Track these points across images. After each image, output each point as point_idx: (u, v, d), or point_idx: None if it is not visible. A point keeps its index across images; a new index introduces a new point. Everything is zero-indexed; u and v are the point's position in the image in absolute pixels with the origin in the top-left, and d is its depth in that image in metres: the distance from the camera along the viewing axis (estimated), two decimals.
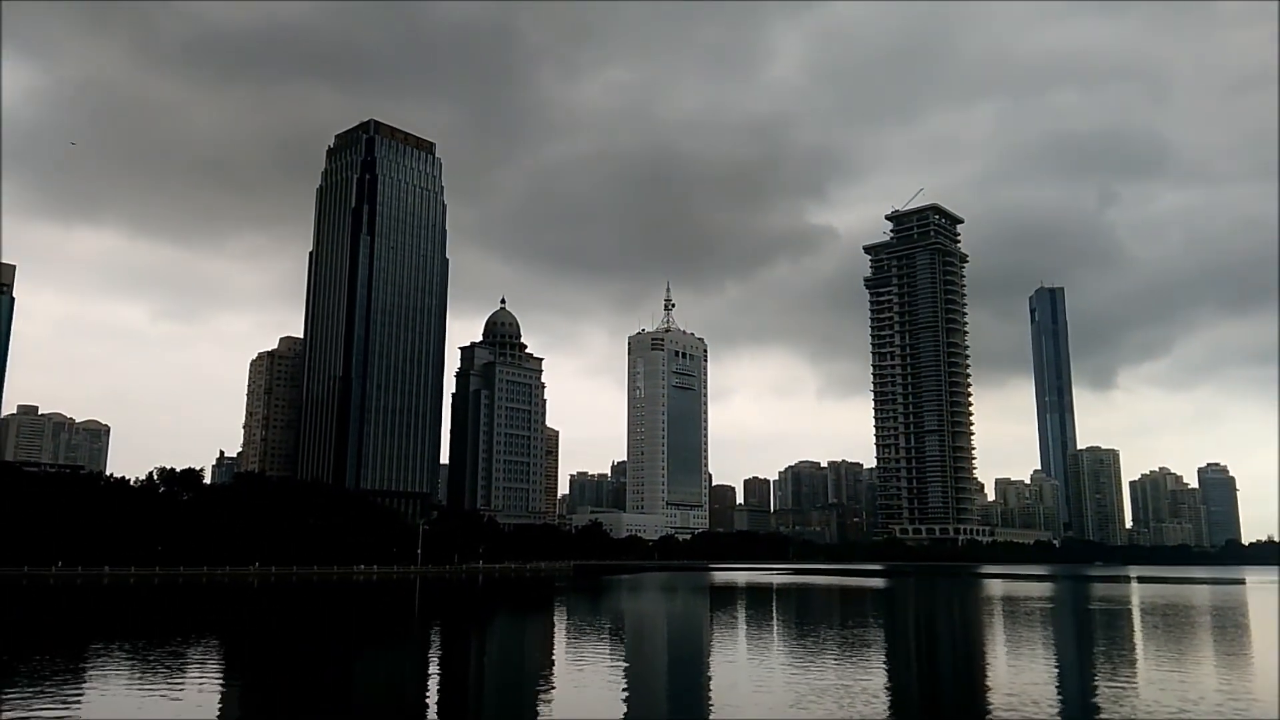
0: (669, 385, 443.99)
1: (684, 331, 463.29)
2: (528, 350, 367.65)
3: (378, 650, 47.50)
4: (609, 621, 65.58)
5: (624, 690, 33.28)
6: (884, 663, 42.31)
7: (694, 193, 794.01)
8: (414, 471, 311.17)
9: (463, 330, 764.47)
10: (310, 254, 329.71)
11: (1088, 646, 51.12)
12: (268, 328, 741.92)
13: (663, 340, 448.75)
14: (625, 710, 29.08)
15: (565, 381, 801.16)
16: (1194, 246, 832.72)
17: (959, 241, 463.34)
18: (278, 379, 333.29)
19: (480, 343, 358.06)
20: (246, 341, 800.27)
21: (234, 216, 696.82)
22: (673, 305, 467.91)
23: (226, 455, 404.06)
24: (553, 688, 33.51)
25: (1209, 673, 38.41)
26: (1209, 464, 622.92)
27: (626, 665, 41.09)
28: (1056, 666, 42.20)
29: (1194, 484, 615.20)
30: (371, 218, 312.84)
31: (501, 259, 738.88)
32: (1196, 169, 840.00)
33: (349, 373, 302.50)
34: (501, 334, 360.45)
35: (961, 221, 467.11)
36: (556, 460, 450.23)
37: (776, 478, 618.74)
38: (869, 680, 34.87)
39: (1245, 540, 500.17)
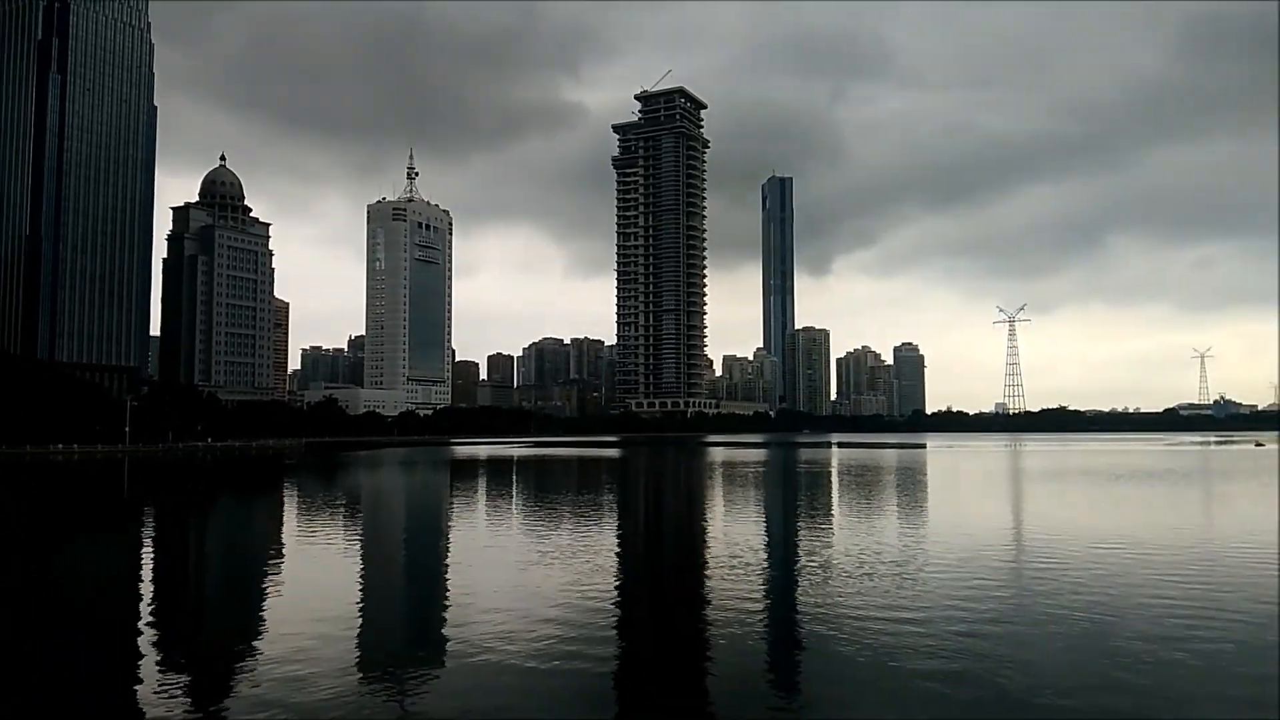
0: (411, 258, 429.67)
1: (428, 202, 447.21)
2: (253, 214, 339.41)
3: (80, 537, 43.38)
4: (343, 497, 63.99)
5: (359, 565, 32.73)
6: (615, 522, 44.62)
7: (441, 56, 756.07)
8: (119, 343, 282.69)
9: (177, 189, 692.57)
10: None
11: (793, 501, 56.84)
12: None
13: (405, 211, 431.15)
14: (361, 584, 28.63)
15: (298, 250, 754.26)
16: (906, 147, 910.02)
17: (702, 127, 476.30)
18: None
19: (197, 203, 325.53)
20: None
21: None
22: (416, 174, 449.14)
23: None
24: (280, 568, 32.23)
25: (892, 520, 43.85)
26: (903, 343, 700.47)
27: (362, 539, 40.39)
28: (765, 519, 46.51)
29: (890, 361, 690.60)
30: (62, 53, 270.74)
31: (222, 111, 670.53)
32: (914, 75, 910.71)
33: (37, 232, 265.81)
34: (222, 194, 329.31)
35: (705, 107, 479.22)
36: (287, 334, 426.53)
37: (520, 354, 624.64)
38: (601, 539, 36.62)
39: (929, 410, 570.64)
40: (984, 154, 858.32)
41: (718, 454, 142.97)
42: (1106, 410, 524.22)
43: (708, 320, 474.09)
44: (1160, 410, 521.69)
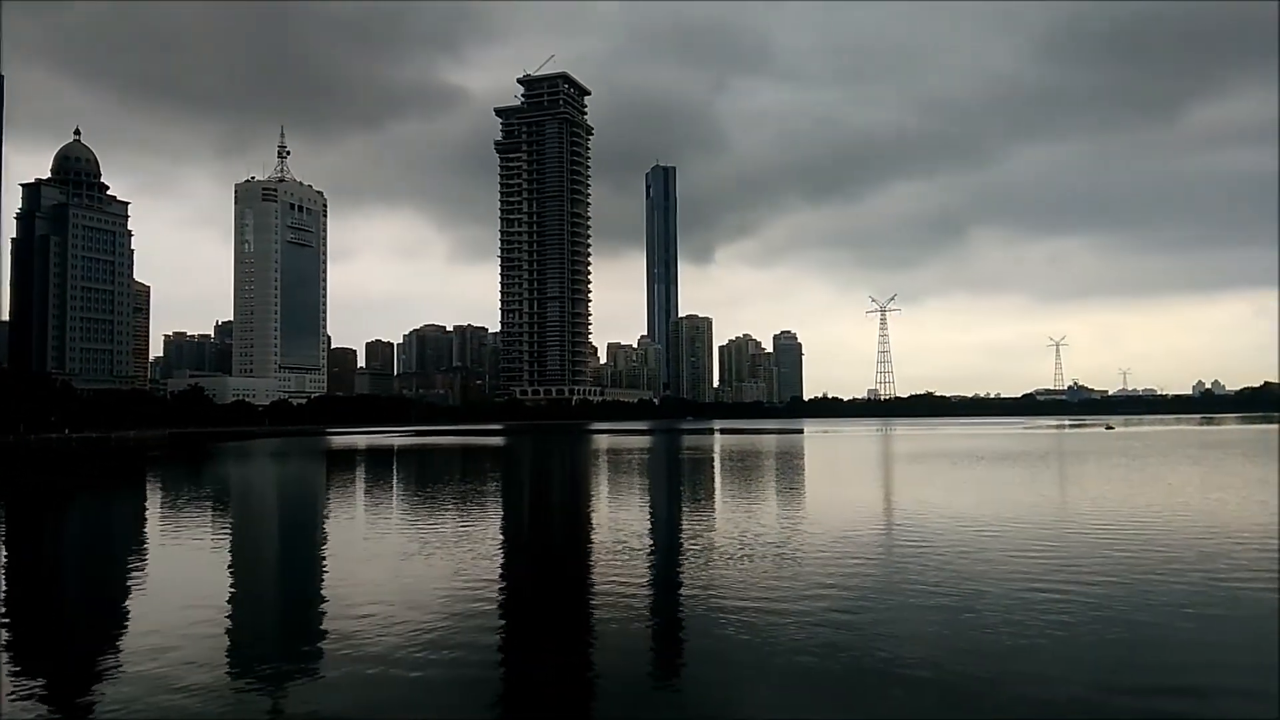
0: (283, 240, 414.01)
1: (301, 183, 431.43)
2: (110, 192, 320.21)
3: None
4: (211, 491, 61.31)
5: (229, 562, 31.45)
6: (498, 511, 44.26)
7: (314, 30, 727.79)
8: None
9: (27, 165, 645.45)
10: None
11: (676, 487, 57.64)
12: None
13: (276, 191, 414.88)
14: (231, 582, 27.52)
15: (160, 231, 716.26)
16: (784, 140, 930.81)
17: (586, 113, 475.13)
18: None
19: (49, 180, 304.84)
20: None
21: None
22: (287, 153, 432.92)
23: None
24: (144, 567, 30.64)
25: (772, 503, 44.99)
26: (782, 331, 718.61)
27: (232, 535, 38.77)
28: (649, 505, 47.00)
29: (770, 349, 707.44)
30: None
31: (76, 83, 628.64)
32: (792, 70, 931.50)
33: None
34: (76, 171, 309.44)
35: (589, 94, 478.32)
36: (148, 319, 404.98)
37: (401, 341, 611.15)
38: (484, 528, 36.25)
39: (806, 396, 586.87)
40: (857, 149, 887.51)
41: (603, 441, 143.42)
42: (970, 396, 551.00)
43: (592, 308, 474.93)
44: (1019, 395, 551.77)
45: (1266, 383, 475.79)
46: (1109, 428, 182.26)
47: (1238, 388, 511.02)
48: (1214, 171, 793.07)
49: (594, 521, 40.60)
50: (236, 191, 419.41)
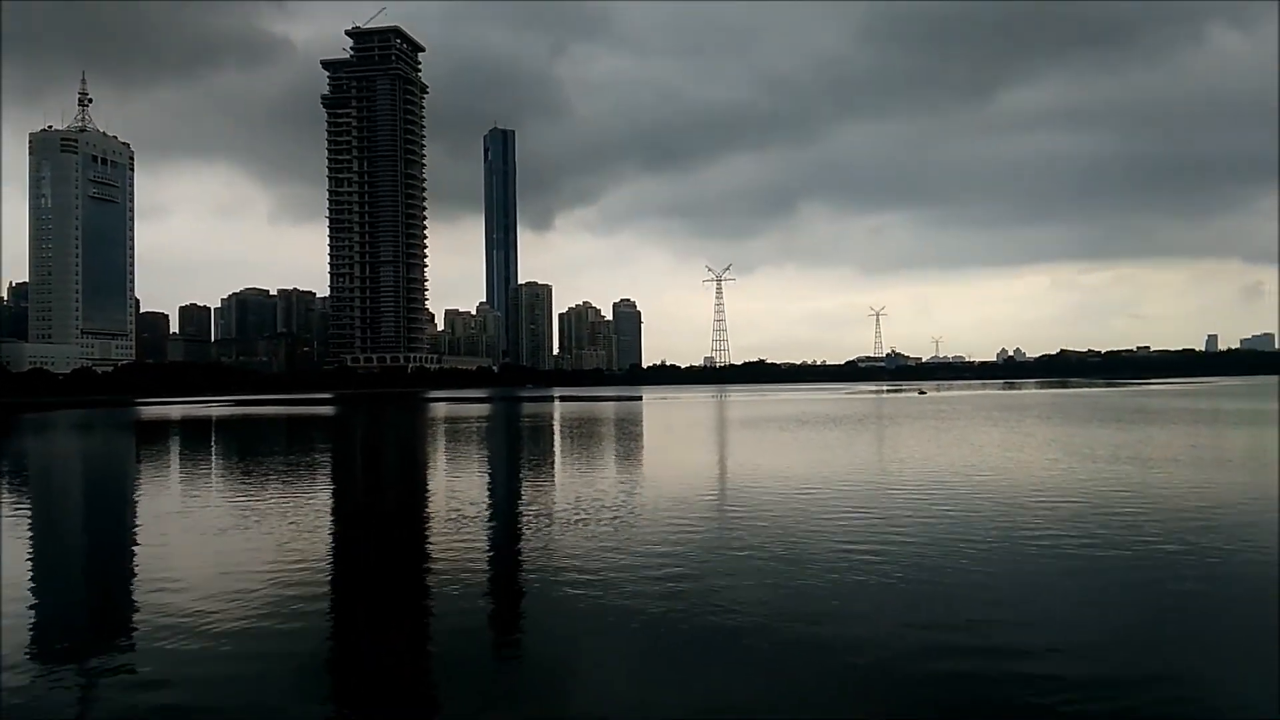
0: (85, 195, 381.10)
1: (105, 134, 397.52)
2: None
3: None
4: (5, 469, 56.20)
5: (29, 543, 28.90)
6: (327, 482, 42.73)
7: None
8: None
9: None
10: None
11: (515, 455, 57.41)
12: None
13: (76, 142, 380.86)
14: (32, 564, 25.34)
15: None
16: (623, 109, 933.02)
17: (420, 71, 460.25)
18: None
19: None
20: None
21: None
22: (89, 101, 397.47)
23: None
24: None
25: (610, 469, 45.56)
26: (622, 299, 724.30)
27: (32, 514, 35.61)
28: (488, 473, 46.63)
29: (610, 316, 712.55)
30: None
31: None
32: (632, 39, 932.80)
33: None
34: None
35: (423, 50, 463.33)
36: None
37: (219, 305, 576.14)
38: (311, 500, 34.91)
39: (645, 364, 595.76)
40: (695, 121, 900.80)
41: (440, 409, 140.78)
42: (798, 363, 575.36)
43: (429, 273, 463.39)
44: (842, 363, 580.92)
45: (1062, 350, 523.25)
46: (922, 393, 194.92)
47: (1037, 355, 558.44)
48: (1019, 154, 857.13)
49: (430, 491, 39.90)
50: (31, 141, 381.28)
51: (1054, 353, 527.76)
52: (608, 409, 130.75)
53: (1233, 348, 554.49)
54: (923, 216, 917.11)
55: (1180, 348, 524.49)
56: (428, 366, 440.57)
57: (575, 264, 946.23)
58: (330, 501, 36.54)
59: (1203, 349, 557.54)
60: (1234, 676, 13.98)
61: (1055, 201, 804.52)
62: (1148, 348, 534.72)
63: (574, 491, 35.86)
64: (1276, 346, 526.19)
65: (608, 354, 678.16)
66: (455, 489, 39.20)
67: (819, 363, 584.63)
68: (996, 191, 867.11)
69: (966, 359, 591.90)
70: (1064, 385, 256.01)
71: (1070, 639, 15.58)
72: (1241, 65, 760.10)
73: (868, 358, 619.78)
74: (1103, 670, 13.89)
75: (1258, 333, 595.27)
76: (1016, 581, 19.93)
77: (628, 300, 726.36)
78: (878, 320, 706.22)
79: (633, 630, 16.32)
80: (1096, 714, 12.30)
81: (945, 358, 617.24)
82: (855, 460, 47.78)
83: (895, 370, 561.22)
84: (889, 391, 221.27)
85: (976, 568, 20.97)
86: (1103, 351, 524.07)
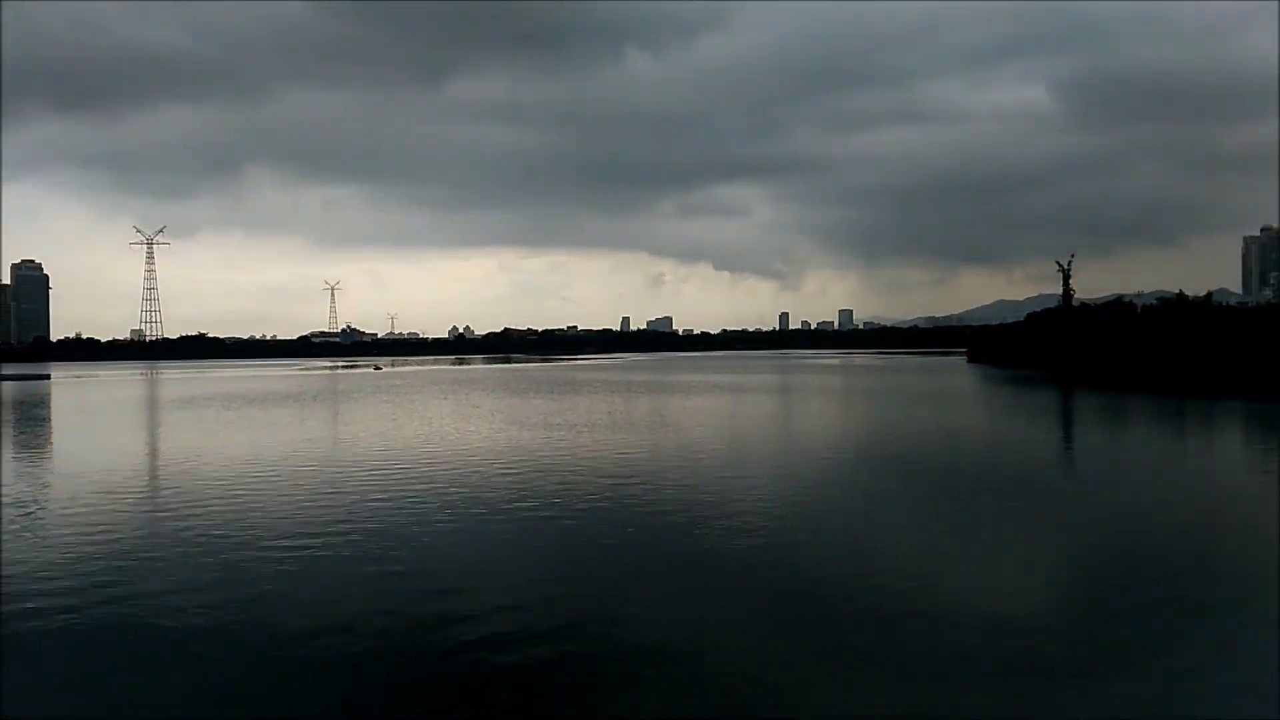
0: None
1: None
2: None
3: None
4: None
5: None
6: None
7: None
8: None
9: None
10: None
11: None
12: None
13: None
14: None
15: None
16: (23, 35, 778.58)
17: None
18: None
19: None
20: None
21: None
22: None
23: None
24: None
25: (7, 465, 38.35)
26: (24, 260, 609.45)
27: None
28: None
29: (8, 280, 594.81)
30: None
31: None
32: None
33: None
34: None
35: None
36: None
37: None
38: None
39: (56, 337, 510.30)
40: (118, 61, 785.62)
41: None
42: (246, 338, 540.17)
43: None
44: (295, 338, 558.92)
45: (506, 328, 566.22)
46: (377, 368, 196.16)
47: (484, 333, 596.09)
48: (469, 142, 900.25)
49: None
50: None
51: (499, 331, 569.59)
52: (8, 390, 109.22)
53: (641, 328, 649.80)
54: (377, 193, 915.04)
55: (601, 327, 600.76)
56: None
57: None
58: None
59: (619, 329, 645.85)
60: (644, 605, 16.59)
61: (501, 190, 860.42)
62: (575, 326, 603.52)
63: None
64: (673, 328, 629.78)
65: (5, 325, 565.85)
66: None
67: (270, 337, 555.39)
68: (449, 176, 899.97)
69: (421, 335, 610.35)
70: (507, 360, 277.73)
71: (513, 586, 17.11)
72: (652, 84, 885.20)
73: (322, 333, 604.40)
74: (535, 616, 15.51)
75: (660, 315, 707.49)
76: (469, 540, 21.28)
77: (32, 262, 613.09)
78: (332, 294, 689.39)
79: (64, 645, 13.99)
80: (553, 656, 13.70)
81: (401, 334, 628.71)
82: (308, 437, 46.52)
83: (351, 346, 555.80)
84: (345, 367, 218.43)
85: (444, 540, 21.73)
86: (540, 330, 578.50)
